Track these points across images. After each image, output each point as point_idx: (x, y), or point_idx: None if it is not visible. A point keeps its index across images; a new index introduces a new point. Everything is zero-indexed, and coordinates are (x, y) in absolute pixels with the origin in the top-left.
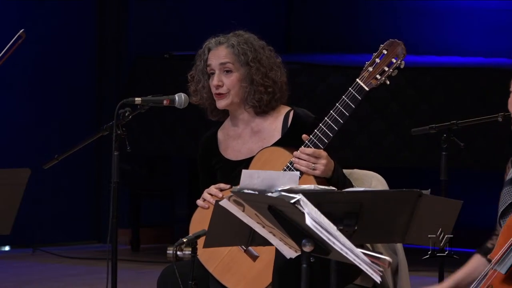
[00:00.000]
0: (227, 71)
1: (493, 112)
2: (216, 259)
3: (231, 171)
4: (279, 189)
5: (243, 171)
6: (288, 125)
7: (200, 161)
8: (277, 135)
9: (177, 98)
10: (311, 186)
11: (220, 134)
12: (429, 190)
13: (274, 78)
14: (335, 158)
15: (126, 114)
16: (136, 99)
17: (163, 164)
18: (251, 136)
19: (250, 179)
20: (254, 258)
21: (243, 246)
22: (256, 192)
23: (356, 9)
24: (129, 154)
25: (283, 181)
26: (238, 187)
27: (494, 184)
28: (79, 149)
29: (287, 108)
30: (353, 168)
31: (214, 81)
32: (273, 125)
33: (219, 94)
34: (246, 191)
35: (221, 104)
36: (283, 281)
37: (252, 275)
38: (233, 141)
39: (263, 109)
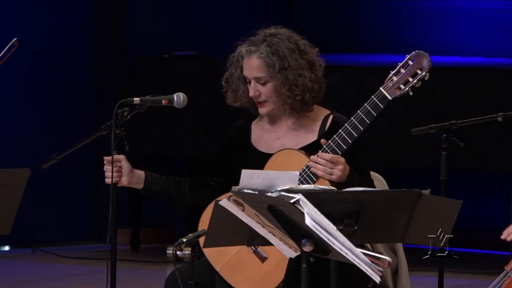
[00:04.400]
0: (263, 83)
1: (493, 112)
2: (223, 258)
3: (257, 162)
4: (279, 189)
5: (243, 171)
6: (326, 129)
7: (226, 141)
8: (313, 136)
9: (175, 98)
10: (311, 186)
11: (254, 126)
12: (429, 190)
13: (303, 82)
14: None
15: (125, 114)
16: (135, 99)
17: (163, 164)
18: (287, 132)
19: (250, 179)
20: (262, 259)
21: (252, 247)
22: (256, 192)
23: (356, 9)
24: (128, 154)
25: (283, 181)
26: (238, 187)
27: (494, 184)
28: (79, 149)
29: (327, 112)
30: None
31: (251, 92)
32: (311, 126)
33: (260, 102)
34: (246, 191)
35: (263, 111)
36: (295, 282)
37: (259, 276)
38: (267, 134)
39: (300, 109)
